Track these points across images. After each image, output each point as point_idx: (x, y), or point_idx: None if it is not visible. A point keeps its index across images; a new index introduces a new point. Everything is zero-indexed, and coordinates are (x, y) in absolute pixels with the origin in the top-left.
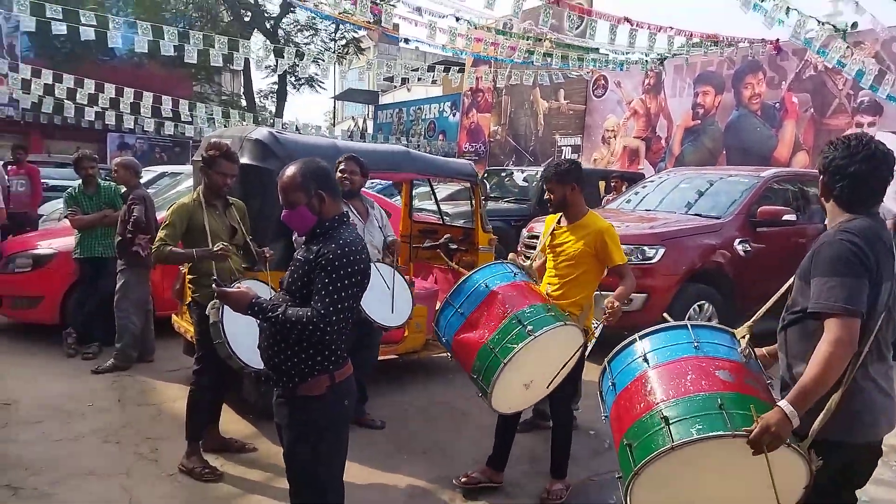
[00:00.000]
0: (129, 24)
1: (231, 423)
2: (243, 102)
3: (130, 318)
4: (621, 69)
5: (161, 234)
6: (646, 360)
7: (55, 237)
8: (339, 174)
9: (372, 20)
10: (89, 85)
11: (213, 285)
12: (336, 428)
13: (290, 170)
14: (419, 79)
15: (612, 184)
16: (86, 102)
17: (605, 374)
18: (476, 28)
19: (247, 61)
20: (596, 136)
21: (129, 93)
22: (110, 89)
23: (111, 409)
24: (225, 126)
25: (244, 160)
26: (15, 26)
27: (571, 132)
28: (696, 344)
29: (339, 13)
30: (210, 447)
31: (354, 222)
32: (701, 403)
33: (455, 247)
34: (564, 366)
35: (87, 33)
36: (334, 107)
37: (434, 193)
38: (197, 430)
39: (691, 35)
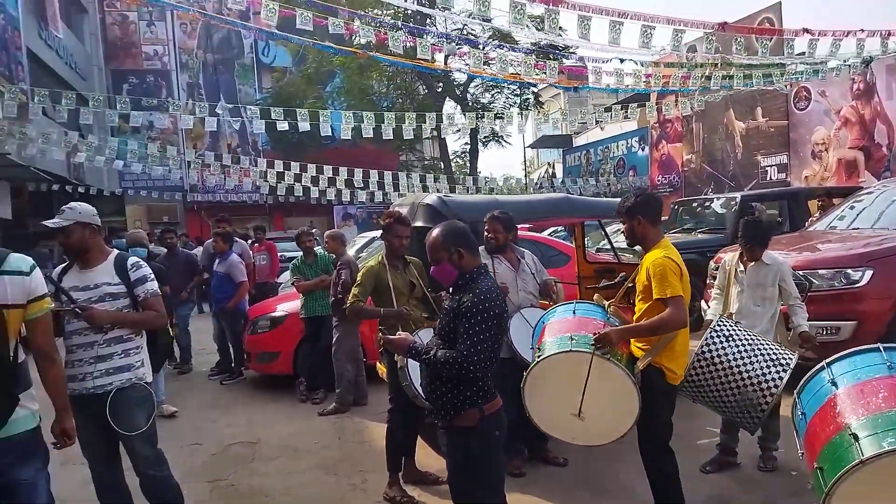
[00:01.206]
0: (336, 114)
1: (428, 457)
2: (443, 165)
3: (345, 366)
4: (817, 77)
5: (354, 291)
6: (834, 383)
7: (286, 301)
8: (486, 233)
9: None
10: (312, 168)
11: (380, 333)
12: (489, 455)
13: (435, 232)
14: (609, 118)
15: (819, 202)
16: (310, 183)
17: (796, 406)
18: (643, 66)
19: (439, 129)
20: (804, 152)
21: (343, 170)
22: (328, 170)
23: (332, 446)
24: (425, 189)
25: (418, 223)
26: (255, 127)
27: (774, 150)
28: (889, 364)
29: (521, 76)
30: (409, 479)
31: (502, 271)
32: (892, 418)
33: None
34: (584, 392)
35: (304, 126)
36: (524, 156)
37: (606, 233)
38: (396, 462)
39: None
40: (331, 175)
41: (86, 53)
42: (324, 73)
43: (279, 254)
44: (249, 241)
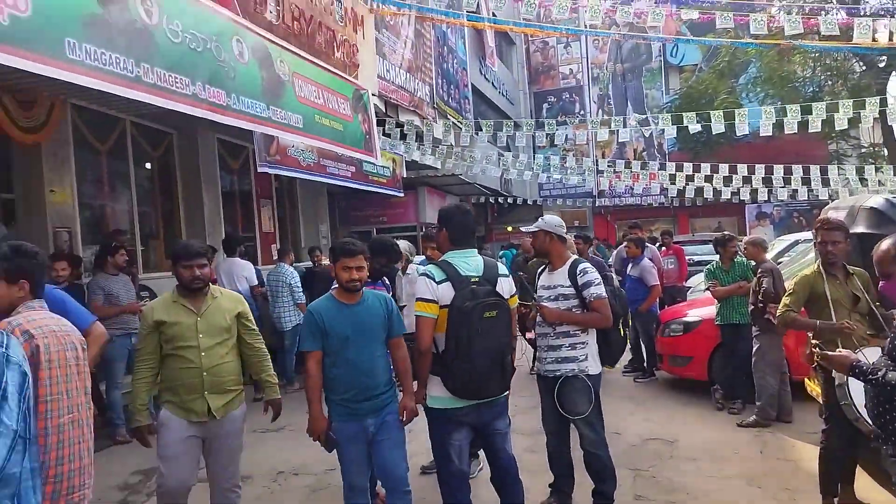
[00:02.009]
0: (754, 110)
1: (870, 489)
2: (886, 152)
3: (767, 378)
4: None
5: (785, 300)
6: None
7: (700, 307)
8: None
9: None
10: (724, 168)
11: (816, 349)
12: None
13: (885, 244)
14: None
15: None
16: (721, 184)
17: None
18: None
19: (883, 113)
20: None
21: (760, 168)
22: (742, 168)
23: (754, 459)
24: (862, 183)
25: (859, 228)
26: (662, 131)
27: None
28: None
29: None
30: None
31: None
32: None
33: None
34: None
35: (718, 128)
36: None
37: None
38: (829, 486)
39: None
40: (745, 174)
41: (513, 81)
42: (737, 66)
43: (686, 257)
44: (657, 245)
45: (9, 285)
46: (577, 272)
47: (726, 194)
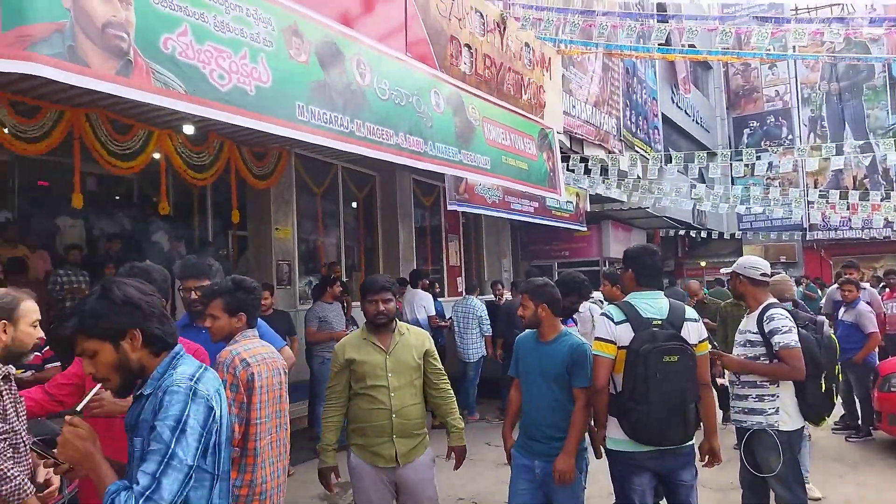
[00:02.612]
0: None
1: None
2: None
3: None
4: None
5: None
6: None
7: None
8: None
9: None
10: None
11: None
12: None
13: None
14: None
15: None
16: None
17: None
18: None
19: None
20: None
21: None
22: None
23: None
24: None
25: None
26: (884, 156)
27: None
28: None
29: None
30: None
31: None
32: None
33: None
34: None
35: None
36: None
37: None
38: None
39: None
40: None
41: (709, 107)
42: None
43: None
44: (880, 287)
45: (230, 317)
46: (765, 318)
47: None
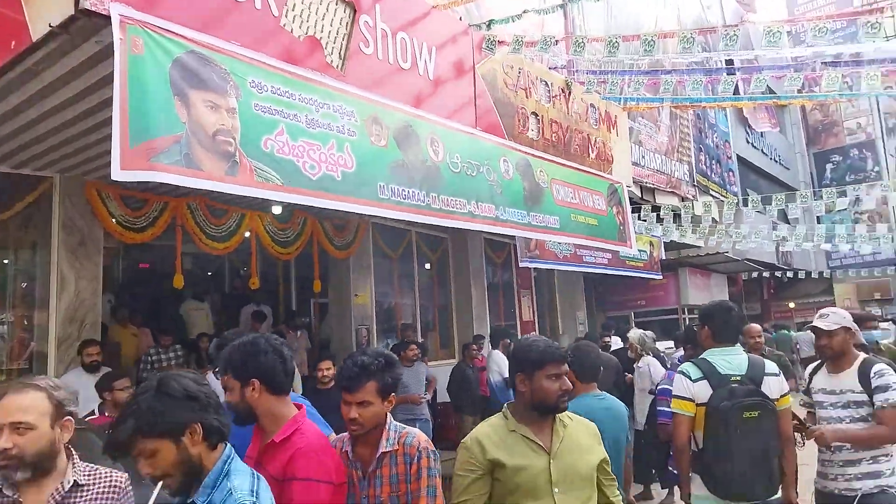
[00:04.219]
0: None
1: None
2: None
3: None
4: None
5: None
6: None
7: None
8: None
9: None
10: None
11: None
12: None
13: None
14: None
15: None
16: None
17: None
18: None
19: None
20: None
21: None
22: None
23: None
24: None
25: None
26: None
27: None
28: None
29: None
30: None
31: None
32: None
33: None
34: None
35: None
36: None
37: None
38: None
39: None
40: None
41: (787, 143)
42: None
43: None
44: None
45: (383, 402)
46: (872, 374)
47: None
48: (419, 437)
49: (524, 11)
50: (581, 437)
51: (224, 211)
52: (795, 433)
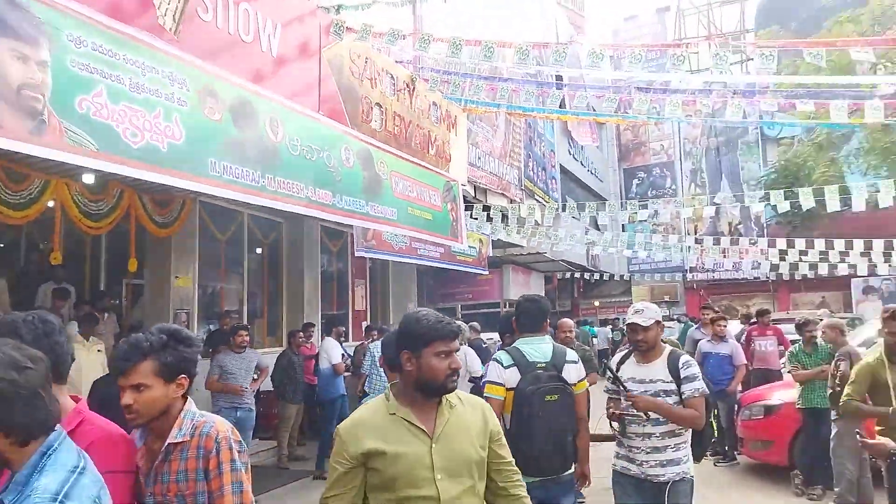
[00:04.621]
0: (850, 183)
1: None
2: None
3: (845, 464)
4: None
5: (848, 389)
6: None
7: (783, 388)
8: None
9: None
10: (820, 243)
11: (857, 435)
12: None
13: None
14: None
15: None
16: (817, 259)
17: None
18: None
19: None
20: None
21: (858, 243)
22: (839, 244)
23: None
24: None
25: None
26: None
27: None
28: None
29: None
30: None
31: None
32: None
33: None
34: None
35: (808, 204)
36: None
37: None
38: None
39: None
40: (843, 249)
41: (603, 158)
42: (838, 137)
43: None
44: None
45: (167, 384)
46: (680, 365)
47: (823, 271)
48: (218, 425)
49: (374, 1)
50: (469, 419)
51: (24, 175)
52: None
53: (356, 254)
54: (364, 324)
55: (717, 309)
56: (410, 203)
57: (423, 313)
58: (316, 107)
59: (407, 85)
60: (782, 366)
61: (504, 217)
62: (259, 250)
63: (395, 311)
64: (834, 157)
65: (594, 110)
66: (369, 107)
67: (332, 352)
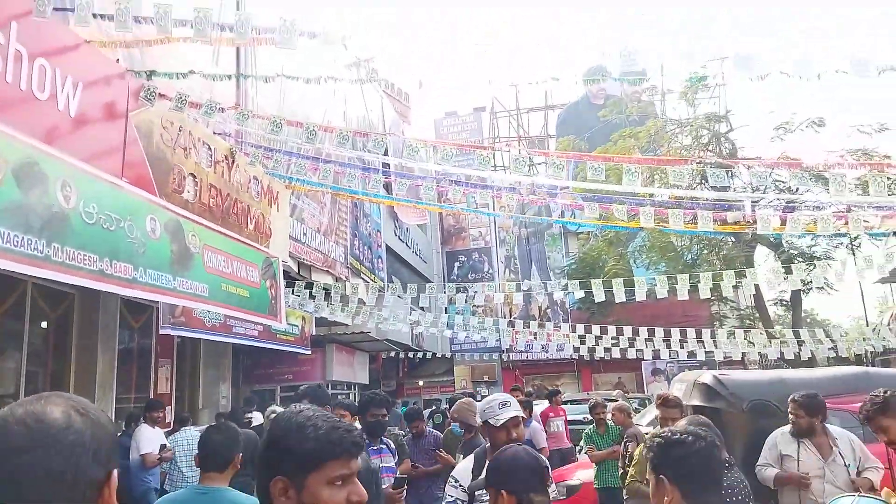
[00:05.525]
0: (636, 275)
1: None
2: (758, 314)
3: None
4: None
5: (631, 471)
6: None
7: (583, 469)
8: (790, 415)
9: None
10: (612, 329)
11: None
12: None
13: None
14: None
15: None
16: (611, 343)
17: None
18: None
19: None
20: None
21: (643, 330)
22: (628, 330)
23: None
24: (749, 343)
25: (694, 401)
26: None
27: None
28: None
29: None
30: None
31: (807, 459)
32: None
33: None
34: None
35: (599, 295)
36: (863, 297)
37: None
38: None
39: None
40: (630, 335)
41: (427, 241)
42: (625, 235)
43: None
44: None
45: None
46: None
47: (616, 353)
48: None
49: (190, 72)
50: None
51: None
52: None
53: (161, 331)
54: (169, 409)
55: (526, 392)
56: (224, 279)
57: (307, 416)
58: (119, 172)
59: (226, 157)
60: (579, 448)
61: (328, 295)
62: (44, 324)
63: (205, 394)
64: (622, 252)
65: (418, 196)
66: (181, 177)
67: (145, 441)
